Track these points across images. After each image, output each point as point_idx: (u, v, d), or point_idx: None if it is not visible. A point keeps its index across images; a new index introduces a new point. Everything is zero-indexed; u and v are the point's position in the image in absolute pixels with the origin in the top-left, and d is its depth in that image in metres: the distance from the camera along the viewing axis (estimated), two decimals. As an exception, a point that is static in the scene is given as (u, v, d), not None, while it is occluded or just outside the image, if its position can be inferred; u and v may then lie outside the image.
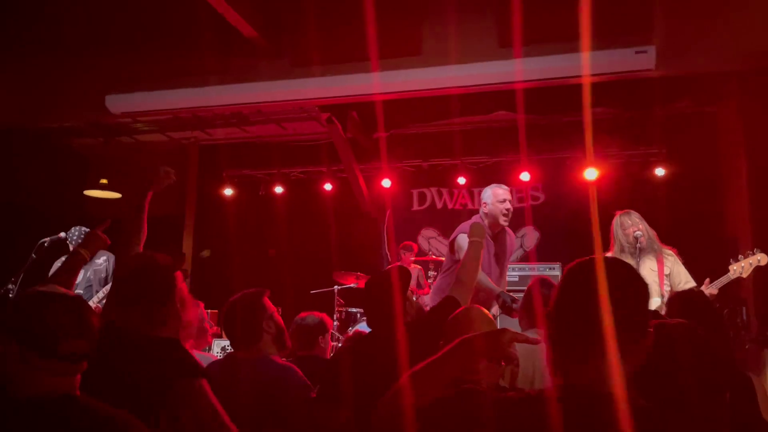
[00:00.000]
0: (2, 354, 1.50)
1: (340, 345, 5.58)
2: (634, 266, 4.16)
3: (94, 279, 5.36)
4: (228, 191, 8.09)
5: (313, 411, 2.40)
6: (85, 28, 5.76)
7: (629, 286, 1.27)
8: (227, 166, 8.18)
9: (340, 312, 6.62)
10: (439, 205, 7.90)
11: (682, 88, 6.23)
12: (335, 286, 6.69)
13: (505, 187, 4.51)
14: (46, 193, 7.45)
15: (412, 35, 5.14)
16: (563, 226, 7.32)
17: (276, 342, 2.58)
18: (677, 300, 2.80)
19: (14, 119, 6.19)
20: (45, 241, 5.25)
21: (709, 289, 3.91)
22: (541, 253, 7.21)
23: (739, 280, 4.02)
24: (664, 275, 4.08)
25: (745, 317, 5.47)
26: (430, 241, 7.84)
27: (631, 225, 4.30)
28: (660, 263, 4.13)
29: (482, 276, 4.16)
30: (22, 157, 7.08)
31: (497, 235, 4.48)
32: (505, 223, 4.45)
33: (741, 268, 3.91)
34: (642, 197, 6.60)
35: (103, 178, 7.43)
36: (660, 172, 6.81)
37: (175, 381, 1.85)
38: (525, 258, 7.47)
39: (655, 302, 3.98)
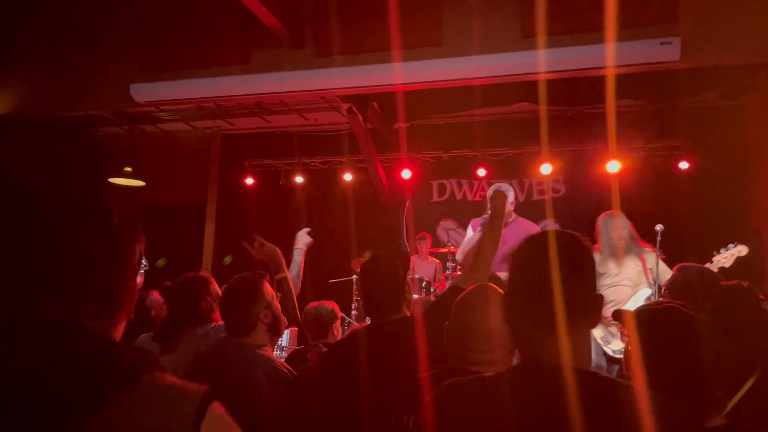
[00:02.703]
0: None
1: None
2: (619, 264, 4.39)
3: None
4: (249, 180, 8.16)
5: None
6: (110, 19, 5.85)
7: (576, 256, 1.28)
8: (249, 155, 8.25)
9: (358, 301, 6.65)
10: (459, 197, 7.88)
11: (708, 80, 6.14)
12: (354, 276, 6.72)
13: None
14: (71, 180, 7.58)
15: (434, 25, 5.13)
16: (584, 218, 7.20)
17: (270, 331, 2.48)
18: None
19: (41, 108, 6.29)
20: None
21: None
22: (562, 246, 7.17)
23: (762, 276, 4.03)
24: (647, 269, 4.40)
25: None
26: (449, 232, 7.83)
27: (614, 229, 4.51)
28: (642, 260, 4.43)
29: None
30: (48, 145, 7.21)
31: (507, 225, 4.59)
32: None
33: (723, 258, 4.15)
34: (665, 190, 6.53)
35: (127, 166, 7.56)
36: (684, 165, 6.72)
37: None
38: (545, 250, 7.44)
39: (645, 293, 4.34)
